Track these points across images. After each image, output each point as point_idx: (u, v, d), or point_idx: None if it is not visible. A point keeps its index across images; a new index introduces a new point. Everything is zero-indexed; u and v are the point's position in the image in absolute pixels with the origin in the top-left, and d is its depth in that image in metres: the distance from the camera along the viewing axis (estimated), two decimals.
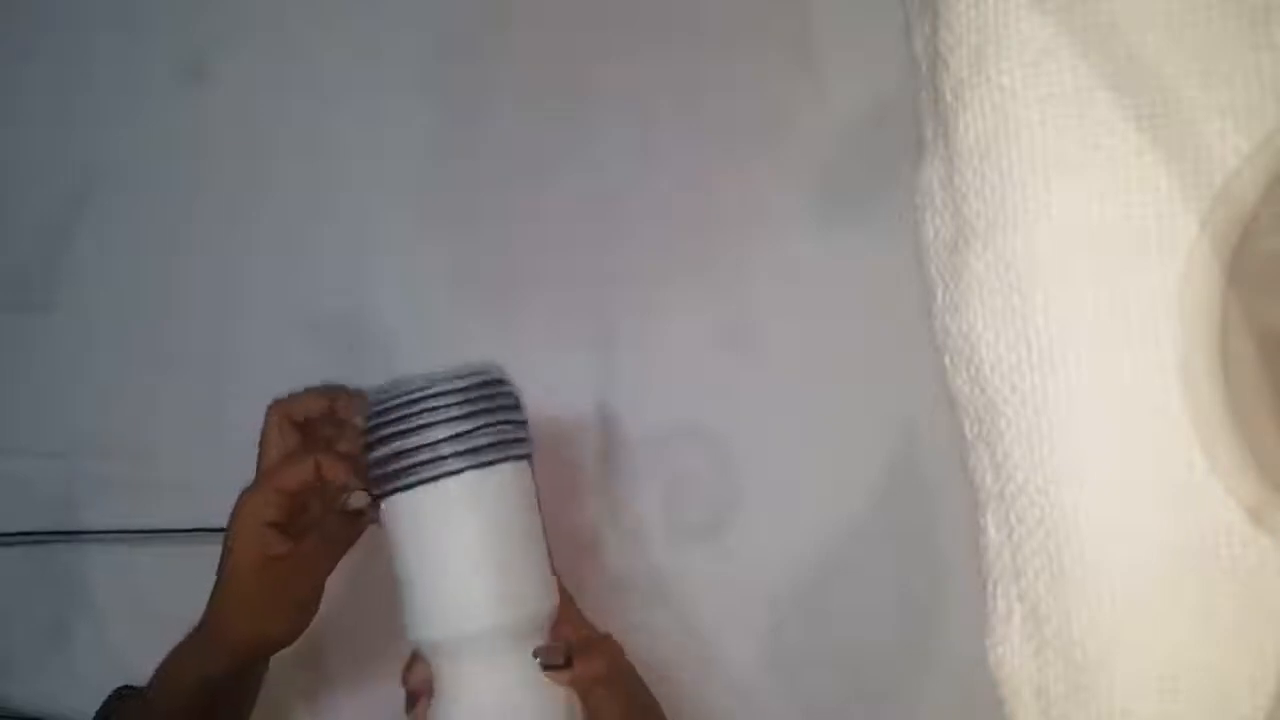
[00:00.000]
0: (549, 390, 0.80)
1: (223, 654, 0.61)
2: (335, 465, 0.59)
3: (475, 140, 0.86)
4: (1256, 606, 0.44)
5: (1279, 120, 0.44)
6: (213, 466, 0.81)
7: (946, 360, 0.55)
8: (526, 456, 0.60)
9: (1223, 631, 0.45)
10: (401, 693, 0.60)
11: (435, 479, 0.56)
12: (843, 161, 0.80)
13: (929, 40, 0.55)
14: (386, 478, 0.57)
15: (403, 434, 0.57)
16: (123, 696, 0.66)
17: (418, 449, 0.56)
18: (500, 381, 0.60)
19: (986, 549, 0.53)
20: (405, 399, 0.57)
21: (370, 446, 0.58)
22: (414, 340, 0.85)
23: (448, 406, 0.57)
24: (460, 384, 0.58)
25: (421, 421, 0.57)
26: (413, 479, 0.56)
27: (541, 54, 0.86)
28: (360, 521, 0.62)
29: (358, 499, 0.58)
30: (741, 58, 0.83)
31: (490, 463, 0.57)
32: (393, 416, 0.57)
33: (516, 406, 0.60)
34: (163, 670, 0.63)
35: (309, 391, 0.62)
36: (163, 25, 0.91)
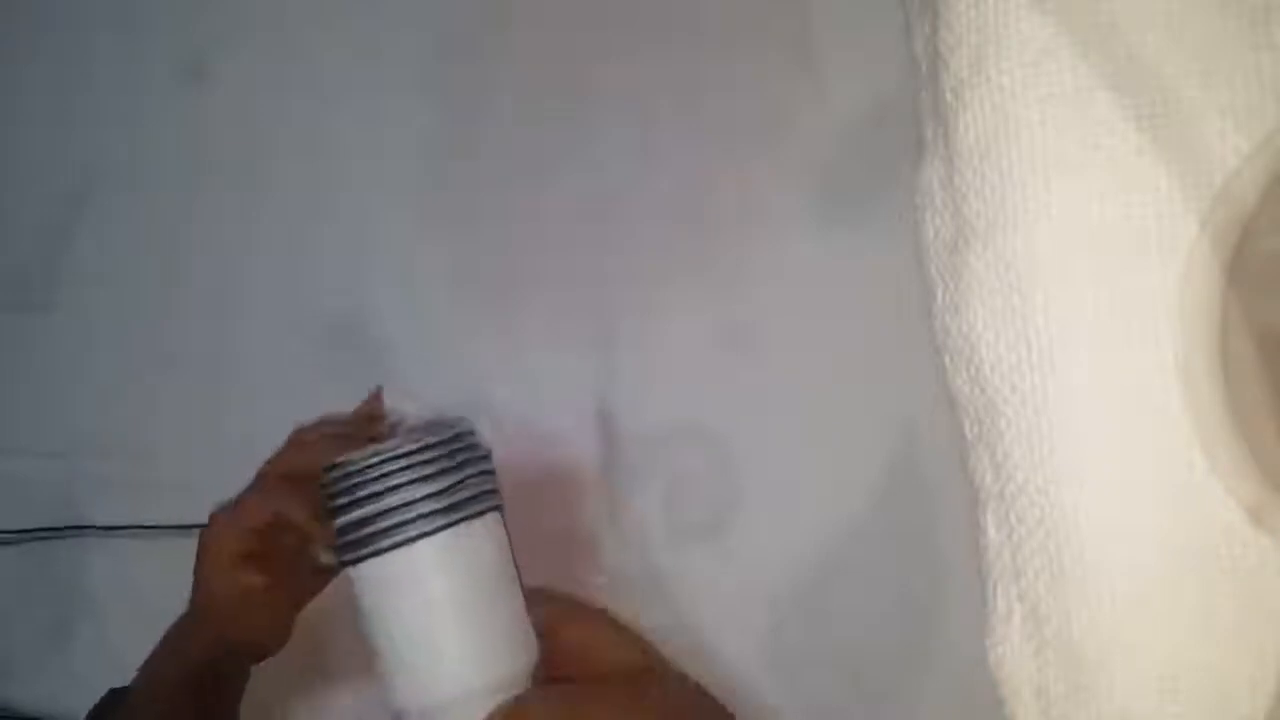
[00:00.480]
0: (549, 390, 0.80)
1: (201, 647, 0.62)
2: (299, 514, 0.58)
3: (475, 140, 0.86)
4: (1256, 606, 0.44)
5: (1279, 120, 0.44)
6: (213, 466, 0.81)
7: (946, 360, 0.55)
8: (498, 508, 0.59)
9: (1223, 631, 0.45)
10: None
11: (407, 542, 0.55)
12: (843, 161, 0.80)
13: (929, 40, 0.55)
14: (356, 543, 0.56)
15: (367, 499, 0.55)
16: (114, 697, 0.66)
17: (385, 513, 0.55)
18: (466, 433, 0.59)
19: (986, 549, 0.53)
20: (366, 462, 0.56)
21: (334, 513, 0.56)
22: (414, 340, 0.84)
23: (411, 467, 0.55)
24: (422, 441, 0.56)
25: (387, 484, 0.55)
26: (384, 544, 0.55)
27: (541, 54, 0.86)
28: (328, 575, 0.62)
29: (326, 556, 0.57)
30: (741, 58, 0.82)
31: (462, 519, 0.56)
32: (355, 481, 0.56)
33: (484, 456, 0.59)
34: (146, 667, 0.63)
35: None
36: (163, 25, 0.91)
